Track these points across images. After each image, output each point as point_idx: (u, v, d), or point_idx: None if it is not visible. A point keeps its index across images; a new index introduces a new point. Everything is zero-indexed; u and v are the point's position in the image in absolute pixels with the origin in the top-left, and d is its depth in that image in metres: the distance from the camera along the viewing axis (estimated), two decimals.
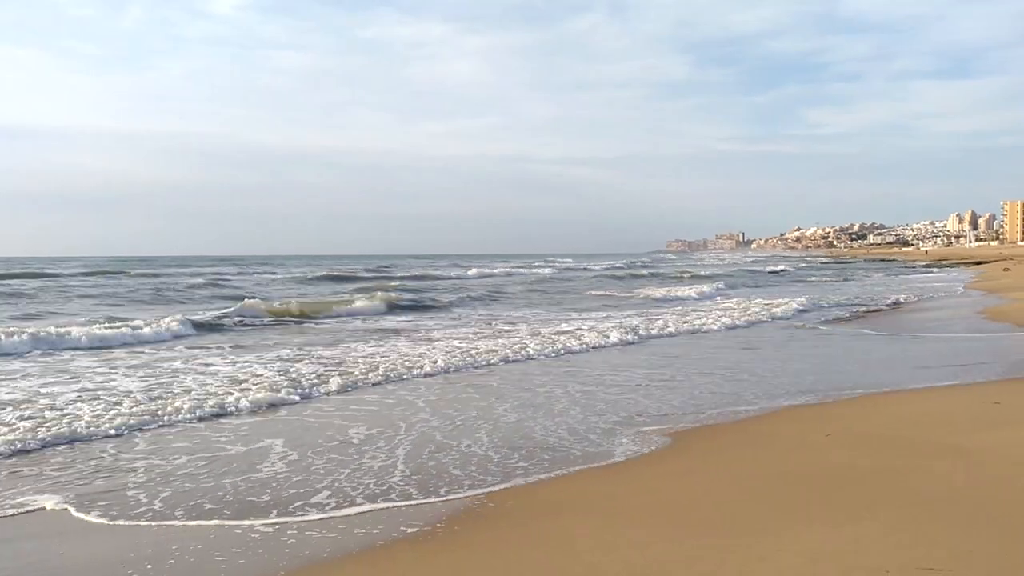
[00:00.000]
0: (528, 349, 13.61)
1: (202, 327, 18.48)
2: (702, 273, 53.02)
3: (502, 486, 5.93)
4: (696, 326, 17.71)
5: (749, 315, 20.07)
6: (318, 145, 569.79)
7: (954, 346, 14.13)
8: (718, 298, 28.22)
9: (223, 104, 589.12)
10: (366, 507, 5.51)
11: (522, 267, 69.62)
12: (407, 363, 12.00)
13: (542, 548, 4.69)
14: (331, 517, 5.34)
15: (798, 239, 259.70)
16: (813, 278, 46.54)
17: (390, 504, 5.58)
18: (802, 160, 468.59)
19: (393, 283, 39.92)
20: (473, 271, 58.60)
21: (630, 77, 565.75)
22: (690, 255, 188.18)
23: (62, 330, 15.81)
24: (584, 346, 14.30)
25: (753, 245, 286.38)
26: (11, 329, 15.65)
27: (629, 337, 15.49)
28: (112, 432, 7.79)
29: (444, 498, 5.69)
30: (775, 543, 4.54)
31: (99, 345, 15.00)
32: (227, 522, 5.30)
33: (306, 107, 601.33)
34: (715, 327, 17.73)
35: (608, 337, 15.25)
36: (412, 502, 5.62)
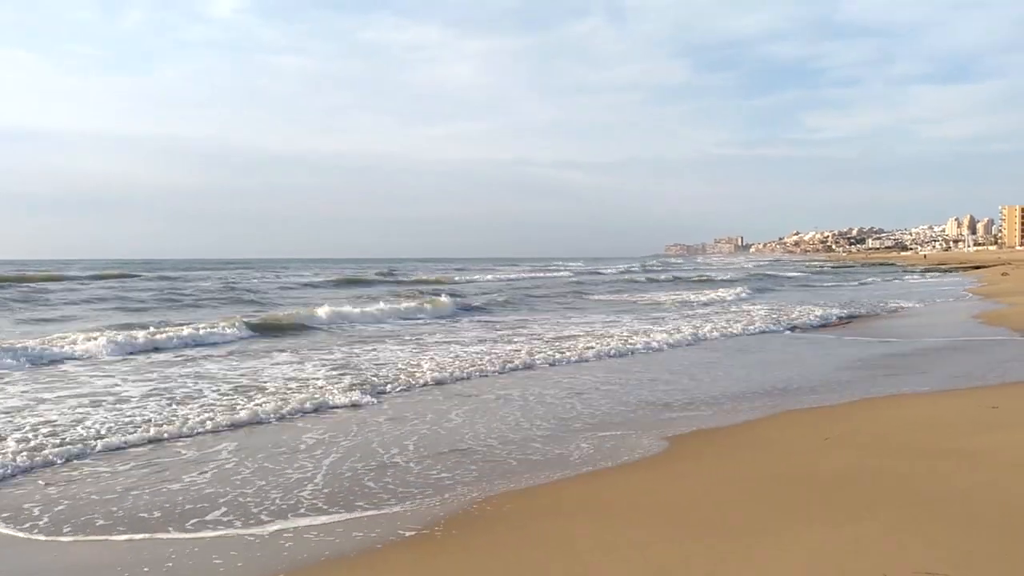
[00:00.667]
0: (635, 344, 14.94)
1: (264, 330, 18.24)
2: (723, 277, 52.93)
3: (501, 489, 5.93)
4: (745, 329, 18.19)
5: (795, 317, 20.52)
6: (318, 148, 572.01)
7: (954, 352, 14.14)
8: (765, 303, 28.01)
9: (223, 107, 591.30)
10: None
11: (536, 272, 68.87)
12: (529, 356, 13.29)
13: (540, 549, 4.69)
14: (329, 522, 5.34)
15: (797, 243, 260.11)
16: (828, 283, 46.39)
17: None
18: (801, 164, 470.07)
19: (420, 287, 39.32)
20: (491, 276, 57.84)
21: (629, 81, 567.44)
22: (690, 259, 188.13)
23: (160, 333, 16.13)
24: (646, 346, 15.04)
25: (752, 249, 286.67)
26: (160, 332, 16.14)
27: (688, 338, 16.33)
28: None
29: (443, 501, 5.69)
30: (774, 544, 4.54)
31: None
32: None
33: (306, 110, 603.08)
34: (776, 329, 18.42)
35: (670, 338, 16.08)
36: (409, 505, 5.61)
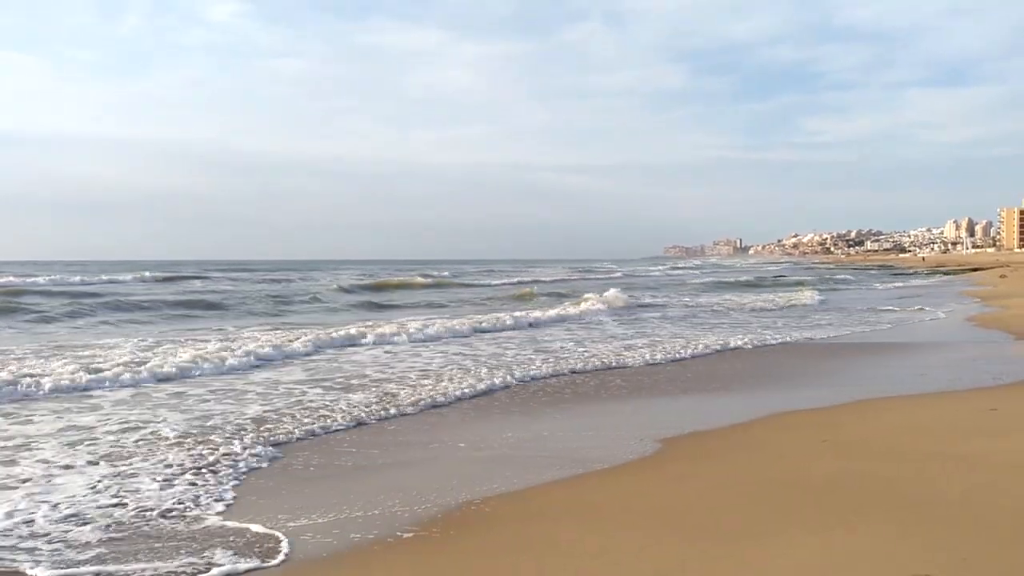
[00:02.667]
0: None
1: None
2: (791, 279, 52.86)
3: (498, 491, 5.92)
4: None
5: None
6: (316, 151, 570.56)
7: (953, 354, 14.14)
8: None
9: (221, 111, 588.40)
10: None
11: (577, 273, 69.22)
12: None
13: (534, 552, 4.68)
14: (325, 522, 5.32)
15: (795, 245, 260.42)
16: (875, 284, 46.70)
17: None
18: (799, 167, 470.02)
19: (528, 289, 38.29)
20: (534, 277, 56.45)
21: (627, 85, 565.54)
22: (693, 260, 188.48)
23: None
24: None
25: (751, 251, 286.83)
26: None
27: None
28: None
29: (439, 503, 5.68)
30: (768, 549, 4.54)
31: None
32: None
33: (304, 114, 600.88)
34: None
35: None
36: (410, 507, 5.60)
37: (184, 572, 4.47)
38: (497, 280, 52.17)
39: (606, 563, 4.44)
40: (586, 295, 28.35)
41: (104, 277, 49.72)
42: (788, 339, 16.49)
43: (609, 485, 6.10)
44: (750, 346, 15.29)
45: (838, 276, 58.82)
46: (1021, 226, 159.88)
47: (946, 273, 62.72)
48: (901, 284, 46.87)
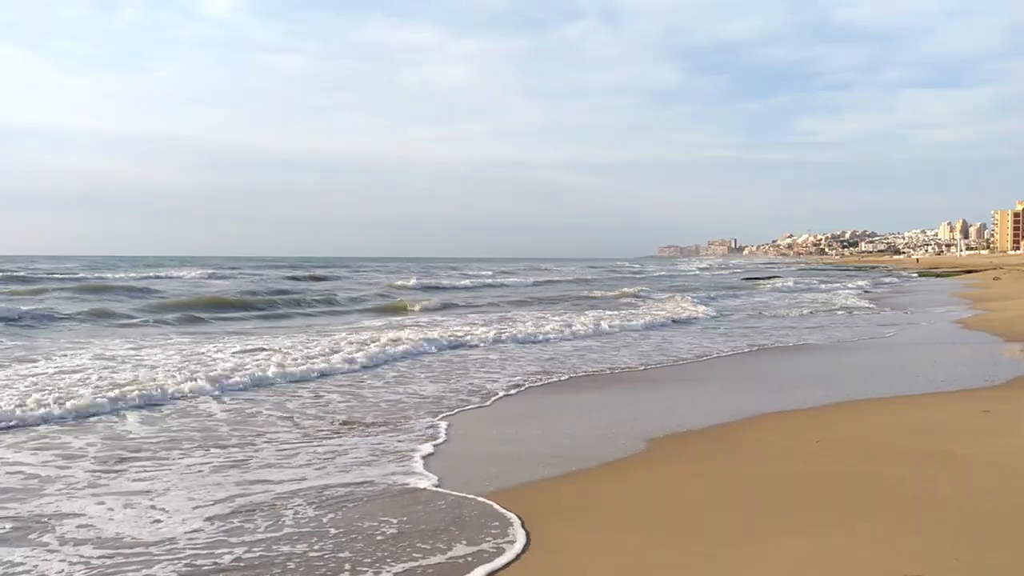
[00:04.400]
0: None
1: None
2: (839, 284, 52.43)
3: (495, 489, 5.95)
4: None
5: None
6: (311, 147, 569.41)
7: (946, 355, 14.20)
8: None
9: (215, 107, 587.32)
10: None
11: (615, 272, 69.94)
12: None
13: (532, 551, 4.72)
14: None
15: (790, 246, 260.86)
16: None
17: None
18: (794, 168, 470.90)
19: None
20: (549, 276, 55.85)
21: (623, 84, 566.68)
22: (686, 260, 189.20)
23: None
24: None
25: (745, 251, 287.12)
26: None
27: None
28: None
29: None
30: (767, 549, 4.59)
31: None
32: None
33: (299, 110, 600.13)
34: None
35: None
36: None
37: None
38: (532, 279, 51.07)
39: (606, 563, 4.47)
40: (674, 296, 30.29)
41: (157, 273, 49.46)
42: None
43: (610, 483, 6.13)
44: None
45: (886, 279, 57.59)
46: (1015, 228, 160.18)
47: (939, 275, 62.77)
48: (909, 285, 46.92)
